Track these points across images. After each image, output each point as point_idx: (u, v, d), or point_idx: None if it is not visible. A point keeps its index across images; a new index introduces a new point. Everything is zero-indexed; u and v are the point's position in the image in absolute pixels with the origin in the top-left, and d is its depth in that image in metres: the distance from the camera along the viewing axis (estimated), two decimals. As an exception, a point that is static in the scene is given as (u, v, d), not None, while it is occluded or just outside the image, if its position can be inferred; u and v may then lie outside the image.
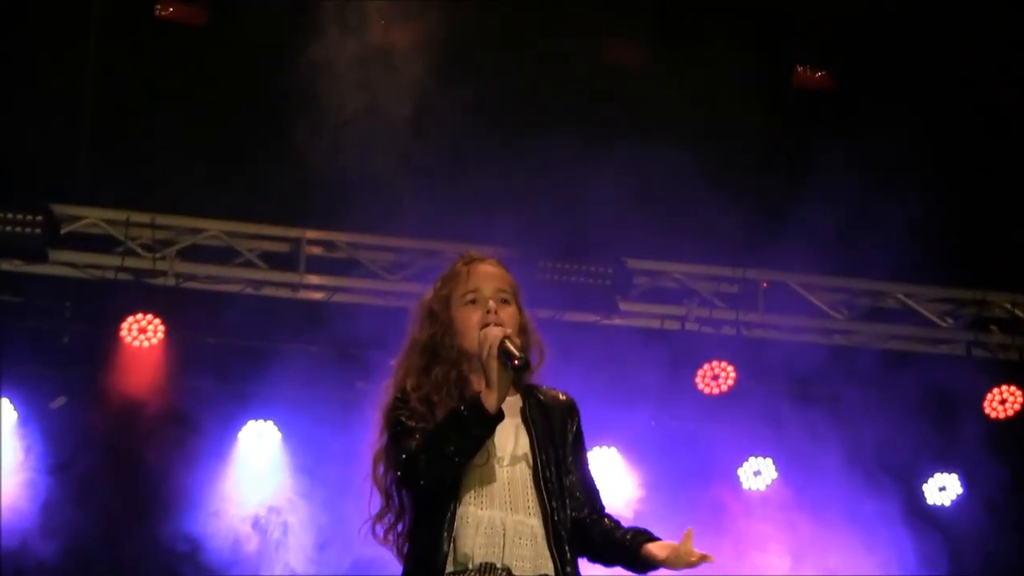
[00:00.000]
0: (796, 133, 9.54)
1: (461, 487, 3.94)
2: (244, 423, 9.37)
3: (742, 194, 8.90)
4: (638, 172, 8.56)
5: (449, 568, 3.91)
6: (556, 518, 3.96)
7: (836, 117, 9.55)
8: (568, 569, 3.97)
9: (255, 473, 9.38)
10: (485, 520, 3.94)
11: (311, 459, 9.20)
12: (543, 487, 3.99)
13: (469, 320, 4.09)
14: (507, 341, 3.87)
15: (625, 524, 4.23)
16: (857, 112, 9.37)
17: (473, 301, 4.11)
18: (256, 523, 9.15)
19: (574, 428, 4.17)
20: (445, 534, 3.91)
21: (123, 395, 9.10)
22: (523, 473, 4.02)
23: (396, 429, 3.98)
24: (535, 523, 3.97)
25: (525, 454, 4.03)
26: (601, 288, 9.40)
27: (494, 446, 3.97)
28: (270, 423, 9.40)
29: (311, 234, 9.46)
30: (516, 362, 3.79)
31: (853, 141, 8.96)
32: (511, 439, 4.04)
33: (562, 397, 4.19)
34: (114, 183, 9.17)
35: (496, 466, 3.98)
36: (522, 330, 4.11)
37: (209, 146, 8.98)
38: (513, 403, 4.02)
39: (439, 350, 4.11)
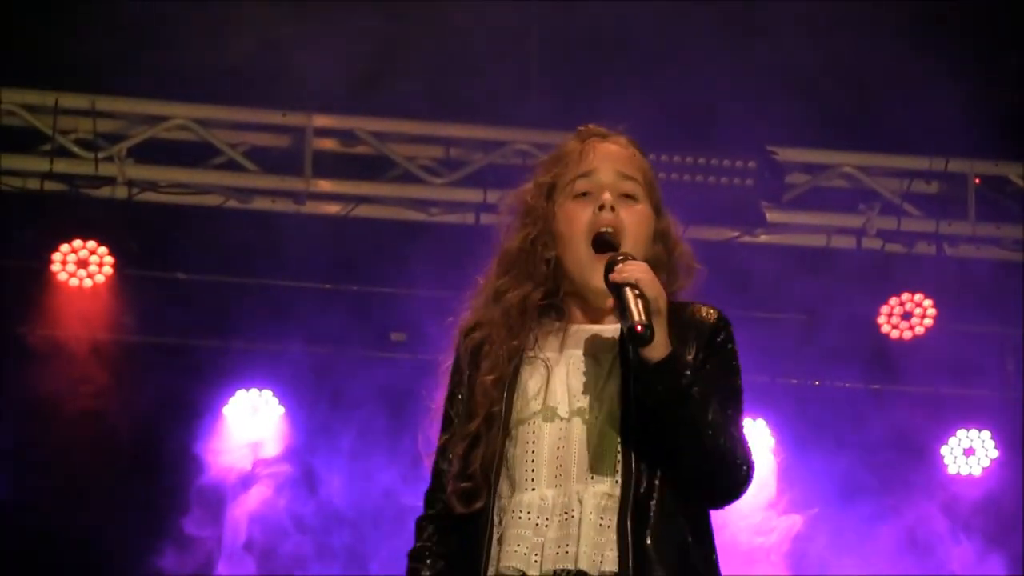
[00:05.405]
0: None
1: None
2: (231, 394, 8.48)
3: (941, 49, 7.98)
4: (787, 22, 7.93)
5: None
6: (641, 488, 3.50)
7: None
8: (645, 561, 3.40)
9: (245, 463, 8.46)
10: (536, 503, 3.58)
11: (324, 444, 8.34)
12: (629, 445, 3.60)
13: (575, 220, 3.54)
14: (630, 291, 3.37)
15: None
16: None
17: (584, 194, 3.57)
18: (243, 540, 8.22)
19: (697, 350, 3.55)
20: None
21: (55, 354, 8.21)
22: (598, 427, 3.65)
23: (442, 424, 3.66)
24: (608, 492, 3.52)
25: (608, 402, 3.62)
26: (741, 191, 8.64)
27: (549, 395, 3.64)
28: (267, 393, 8.50)
29: (320, 120, 8.56)
30: (639, 328, 3.32)
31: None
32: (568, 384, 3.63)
33: (703, 314, 3.61)
34: (39, 53, 8.24)
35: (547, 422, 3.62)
36: (659, 238, 3.61)
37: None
38: (595, 335, 3.59)
39: (528, 263, 3.60)
